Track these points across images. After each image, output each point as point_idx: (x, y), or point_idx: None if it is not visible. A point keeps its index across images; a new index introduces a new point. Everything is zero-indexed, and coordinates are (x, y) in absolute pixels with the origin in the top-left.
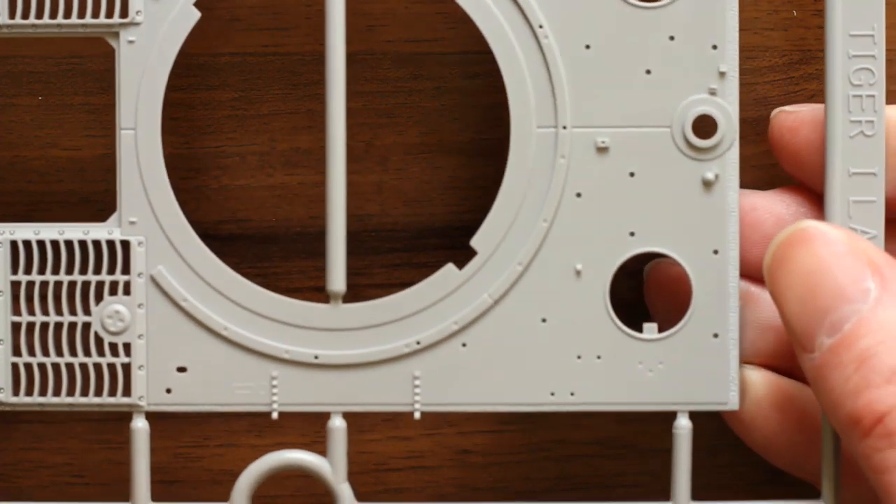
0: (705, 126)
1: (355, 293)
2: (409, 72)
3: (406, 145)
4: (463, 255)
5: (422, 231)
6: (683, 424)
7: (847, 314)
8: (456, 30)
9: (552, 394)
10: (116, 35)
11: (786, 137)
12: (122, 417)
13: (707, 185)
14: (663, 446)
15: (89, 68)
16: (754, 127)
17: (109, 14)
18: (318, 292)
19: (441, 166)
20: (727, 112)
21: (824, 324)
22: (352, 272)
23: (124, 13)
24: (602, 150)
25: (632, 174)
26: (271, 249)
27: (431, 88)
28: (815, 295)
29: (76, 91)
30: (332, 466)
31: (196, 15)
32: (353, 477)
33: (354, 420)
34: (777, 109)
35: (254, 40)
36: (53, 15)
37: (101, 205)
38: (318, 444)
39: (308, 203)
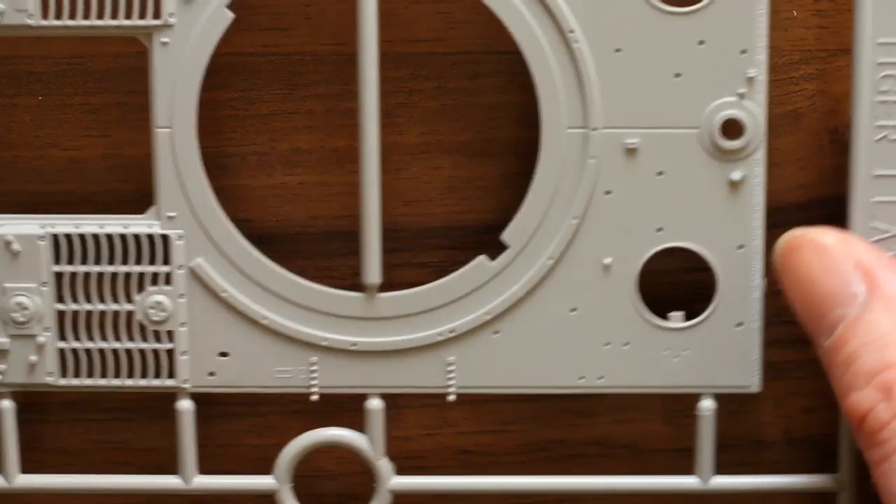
0: (733, 128)
1: (356, 291)
2: (409, 72)
3: (406, 145)
4: (463, 254)
5: (422, 231)
6: (708, 406)
7: (837, 318)
8: (456, 30)
9: (581, 378)
10: (149, 36)
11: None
12: (124, 419)
13: (733, 185)
14: (663, 446)
15: (89, 68)
16: None
17: (142, 15)
18: None
19: (441, 166)
20: (754, 115)
21: (821, 327)
22: (352, 272)
23: (157, 15)
24: (631, 150)
25: (660, 173)
26: (271, 249)
27: (431, 88)
28: (811, 300)
29: (76, 91)
30: (371, 444)
31: (229, 17)
32: (354, 477)
33: (355, 420)
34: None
35: (254, 40)
36: (87, 15)
37: (101, 205)
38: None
39: (308, 203)
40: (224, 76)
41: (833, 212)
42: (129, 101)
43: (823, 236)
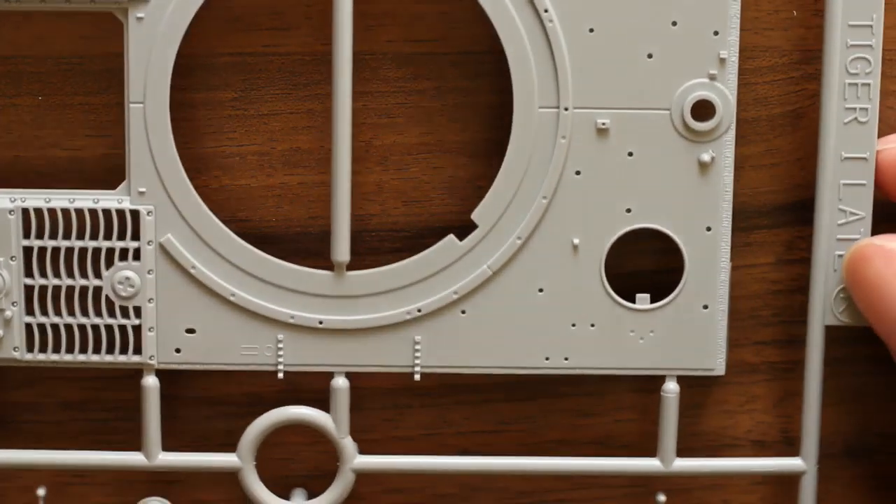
0: (703, 109)
1: None
2: (409, 72)
3: (406, 145)
4: None
5: (422, 231)
6: (671, 388)
7: None
8: (456, 30)
9: (547, 358)
10: (125, 11)
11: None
12: (123, 418)
13: (703, 166)
14: None
15: (89, 68)
16: (754, 127)
17: None
18: None
19: (441, 166)
20: (725, 97)
21: (894, 334)
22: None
23: None
24: (602, 131)
25: (630, 154)
26: (271, 249)
27: (431, 88)
28: (884, 308)
29: (76, 91)
30: (335, 423)
31: None
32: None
33: (355, 420)
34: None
35: (254, 40)
36: None
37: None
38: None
39: (308, 203)
40: (224, 76)
41: None
42: None
43: (891, 242)
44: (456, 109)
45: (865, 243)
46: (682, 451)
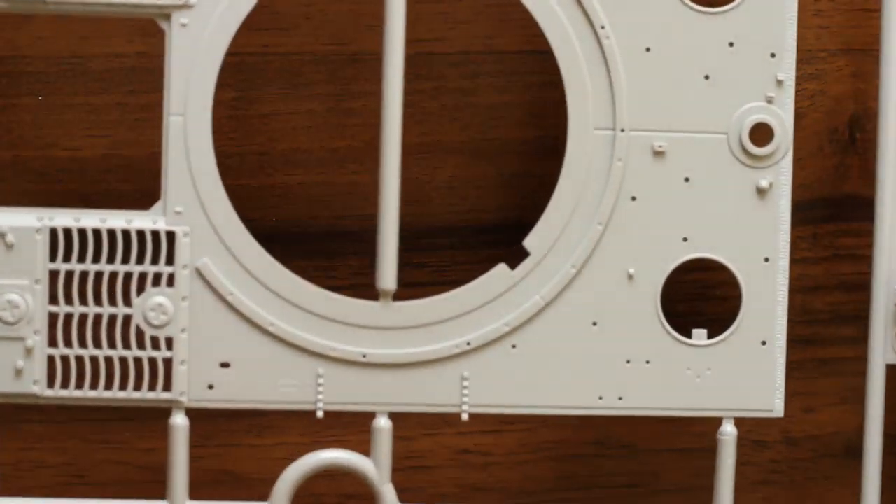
0: (760, 133)
1: (356, 292)
2: (409, 72)
3: (406, 145)
4: (463, 254)
5: (422, 231)
6: (729, 431)
7: None
8: (456, 30)
9: (600, 398)
10: (168, 17)
11: None
12: (123, 418)
13: (761, 192)
14: (662, 446)
15: (89, 68)
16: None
17: None
18: None
19: (441, 166)
20: (783, 120)
21: None
22: (352, 272)
23: None
24: (659, 153)
25: (687, 179)
26: (271, 249)
27: (431, 88)
28: None
29: (76, 91)
30: (376, 467)
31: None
32: (354, 476)
33: (355, 420)
34: None
35: (254, 40)
36: None
37: (101, 205)
38: (319, 444)
39: (308, 203)
40: (224, 76)
41: (833, 211)
42: (129, 101)
43: None
44: (456, 109)
45: None
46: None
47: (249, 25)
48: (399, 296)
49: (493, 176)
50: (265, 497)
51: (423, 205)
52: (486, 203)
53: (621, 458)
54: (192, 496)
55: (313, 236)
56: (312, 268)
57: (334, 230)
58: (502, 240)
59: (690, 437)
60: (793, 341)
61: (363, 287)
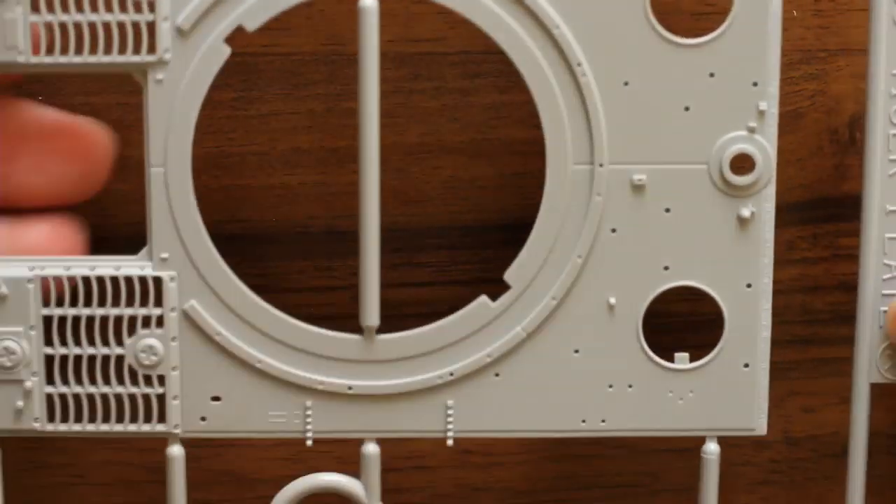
0: (742, 163)
1: (355, 293)
2: (409, 72)
3: (406, 145)
4: (463, 254)
5: (422, 231)
6: (712, 449)
7: None
8: (456, 30)
9: (583, 421)
10: (144, 73)
11: None
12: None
13: (743, 221)
14: (662, 446)
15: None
16: None
17: (137, 51)
18: (317, 292)
19: (441, 166)
20: (765, 150)
21: None
22: (351, 272)
23: (152, 50)
24: (638, 187)
25: (667, 210)
26: (271, 249)
27: (431, 88)
28: None
29: (76, 91)
30: (366, 490)
31: (226, 52)
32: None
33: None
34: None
35: (254, 40)
36: (79, 51)
37: (101, 205)
38: (319, 444)
39: (308, 203)
40: (224, 76)
41: (833, 212)
42: (129, 101)
43: None
44: (456, 109)
45: None
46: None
47: None
48: (399, 295)
49: (493, 176)
50: (265, 497)
51: (423, 205)
52: (486, 203)
53: (621, 458)
54: (193, 496)
55: (313, 236)
56: (312, 268)
57: (334, 230)
58: (502, 240)
59: (690, 437)
60: (793, 341)
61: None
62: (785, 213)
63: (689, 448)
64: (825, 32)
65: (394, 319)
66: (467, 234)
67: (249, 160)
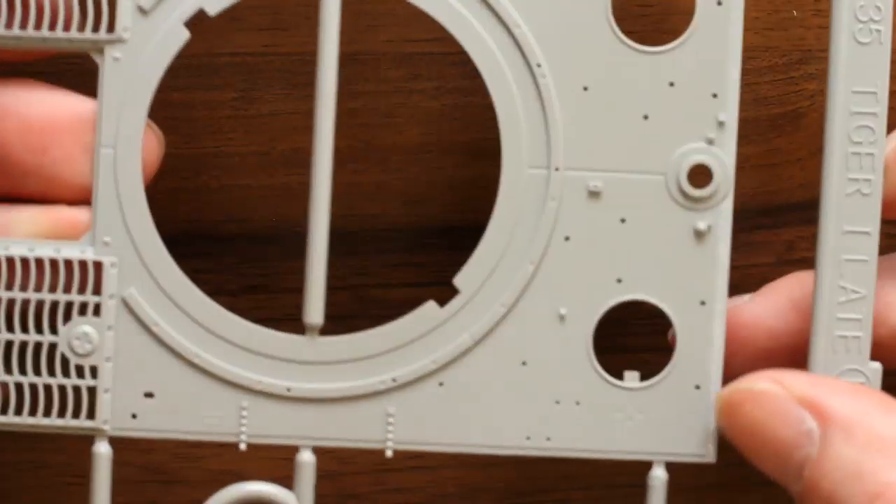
0: (700, 175)
1: (355, 293)
2: (409, 72)
3: (406, 145)
4: (463, 255)
5: (422, 231)
6: (659, 475)
7: (800, 460)
8: None
9: (528, 438)
10: (101, 51)
11: None
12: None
13: (699, 235)
14: None
15: (89, 68)
16: (754, 127)
17: (96, 29)
18: None
19: (441, 166)
20: (723, 162)
21: (788, 473)
22: (352, 272)
23: (111, 28)
24: (594, 194)
25: (623, 220)
26: (271, 249)
27: (431, 88)
28: (768, 453)
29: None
30: (298, 501)
31: (185, 35)
32: (354, 477)
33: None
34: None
35: (254, 40)
36: (38, 27)
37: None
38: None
39: (308, 203)
40: (224, 76)
41: None
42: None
43: (757, 383)
44: (456, 109)
45: (730, 391)
46: None
47: (249, 25)
48: (399, 295)
49: (493, 176)
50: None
51: (423, 205)
52: (486, 203)
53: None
54: (193, 496)
55: None
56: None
57: (334, 230)
58: None
59: None
60: None
61: (362, 287)
62: (785, 213)
63: None
64: (825, 32)
65: (394, 319)
66: (467, 234)
67: (249, 160)
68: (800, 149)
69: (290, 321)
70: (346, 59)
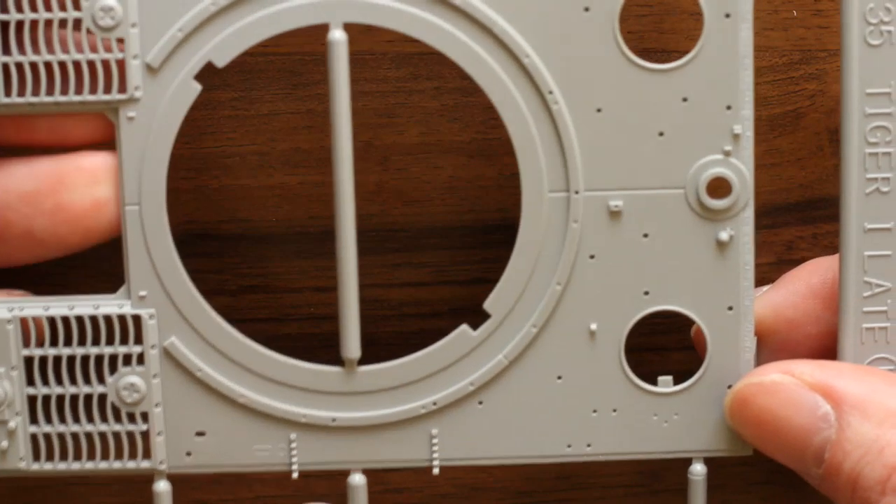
0: (719, 187)
1: None
2: (409, 72)
3: (406, 145)
4: (463, 254)
5: (422, 231)
6: (698, 470)
7: (820, 444)
8: None
9: (569, 446)
10: (116, 111)
11: None
12: None
13: (721, 245)
14: None
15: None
16: (755, 127)
17: (108, 90)
18: (318, 292)
19: (441, 166)
20: (741, 173)
21: (807, 459)
22: None
23: (122, 89)
24: (615, 213)
25: (646, 235)
26: (271, 249)
27: (431, 88)
28: (786, 442)
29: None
30: None
31: (197, 88)
32: None
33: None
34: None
35: None
36: (50, 92)
37: None
38: None
39: (308, 203)
40: (224, 76)
41: (833, 212)
42: None
43: (767, 375)
44: (456, 109)
45: (742, 385)
46: None
47: None
48: (399, 295)
49: (493, 176)
50: (265, 497)
51: (423, 205)
52: (486, 203)
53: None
54: (193, 496)
55: (313, 236)
56: (312, 268)
57: (334, 230)
58: (502, 240)
59: None
60: None
61: (362, 287)
62: (785, 213)
63: None
64: (825, 32)
65: (394, 319)
66: (467, 234)
67: (249, 160)
68: (800, 149)
69: (291, 321)
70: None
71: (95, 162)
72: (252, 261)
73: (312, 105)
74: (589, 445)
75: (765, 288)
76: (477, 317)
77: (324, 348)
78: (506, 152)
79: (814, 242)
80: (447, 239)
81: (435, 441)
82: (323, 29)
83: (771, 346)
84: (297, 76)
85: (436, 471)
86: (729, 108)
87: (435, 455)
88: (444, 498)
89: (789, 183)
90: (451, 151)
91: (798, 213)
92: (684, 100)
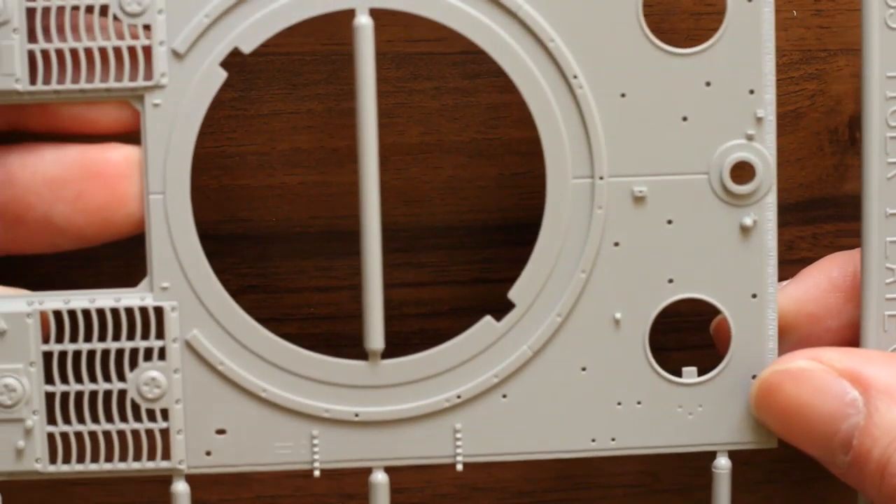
0: (743, 171)
1: (355, 293)
2: (409, 72)
3: (406, 145)
4: (463, 254)
5: (422, 231)
6: (723, 464)
7: (848, 431)
8: None
9: (593, 440)
10: (141, 98)
11: None
12: None
13: (745, 230)
14: None
15: None
16: None
17: (133, 77)
18: (318, 292)
19: (441, 166)
20: (765, 157)
21: (834, 447)
22: (351, 272)
23: (149, 76)
24: (639, 199)
25: (669, 221)
26: (271, 249)
27: (431, 88)
28: (813, 429)
29: None
30: None
31: (223, 75)
32: (354, 477)
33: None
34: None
35: None
36: (76, 79)
37: None
38: None
39: (308, 203)
40: None
41: (833, 212)
42: None
43: (794, 362)
44: (456, 109)
45: (768, 373)
46: None
47: None
48: (399, 295)
49: (493, 176)
50: (265, 497)
51: (423, 205)
52: (486, 203)
53: (621, 458)
54: (193, 496)
55: (313, 236)
56: (312, 268)
57: (334, 230)
58: (502, 240)
59: None
60: None
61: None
62: (785, 213)
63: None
64: (825, 32)
65: (394, 319)
66: (467, 234)
67: (249, 160)
68: (800, 149)
69: (291, 321)
70: (347, 60)
71: (124, 154)
72: (252, 261)
73: (312, 105)
74: (613, 439)
75: (785, 282)
76: (477, 317)
77: (324, 348)
78: (506, 152)
79: (814, 242)
80: (447, 239)
81: (458, 436)
82: (323, 28)
83: (792, 341)
84: (297, 76)
85: (459, 467)
86: (752, 92)
87: (459, 451)
88: (444, 498)
89: (789, 183)
90: (451, 151)
91: (798, 213)
92: (707, 84)
